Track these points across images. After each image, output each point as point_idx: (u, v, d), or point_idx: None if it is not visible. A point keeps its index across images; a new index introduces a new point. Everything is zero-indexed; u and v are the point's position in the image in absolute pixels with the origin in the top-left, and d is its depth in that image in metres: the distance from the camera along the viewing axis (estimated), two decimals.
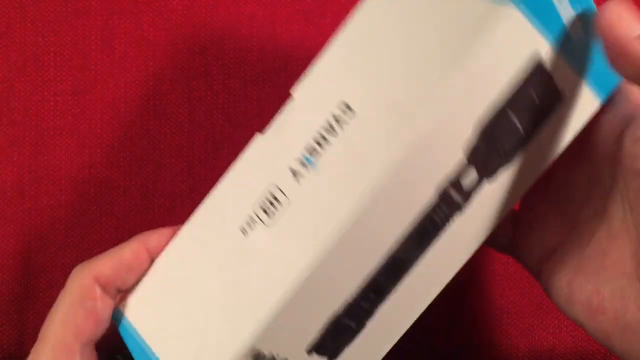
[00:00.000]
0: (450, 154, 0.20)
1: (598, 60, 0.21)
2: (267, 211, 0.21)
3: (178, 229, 0.23)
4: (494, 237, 0.26)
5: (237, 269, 0.21)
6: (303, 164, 0.21)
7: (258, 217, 0.21)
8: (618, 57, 0.19)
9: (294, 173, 0.21)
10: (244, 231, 0.21)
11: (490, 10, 0.19)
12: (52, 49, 0.32)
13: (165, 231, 0.24)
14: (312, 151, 0.21)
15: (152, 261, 0.23)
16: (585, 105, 0.22)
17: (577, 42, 0.21)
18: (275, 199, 0.21)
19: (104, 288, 0.23)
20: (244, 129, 0.32)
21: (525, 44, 0.20)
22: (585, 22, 0.21)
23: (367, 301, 0.21)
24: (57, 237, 0.31)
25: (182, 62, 0.32)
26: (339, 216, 0.20)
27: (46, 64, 0.32)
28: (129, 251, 0.23)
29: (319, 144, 0.21)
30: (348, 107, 0.21)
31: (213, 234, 0.22)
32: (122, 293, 0.23)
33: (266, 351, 0.20)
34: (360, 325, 0.21)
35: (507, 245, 0.27)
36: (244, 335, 0.20)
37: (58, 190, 0.31)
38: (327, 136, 0.21)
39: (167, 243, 0.23)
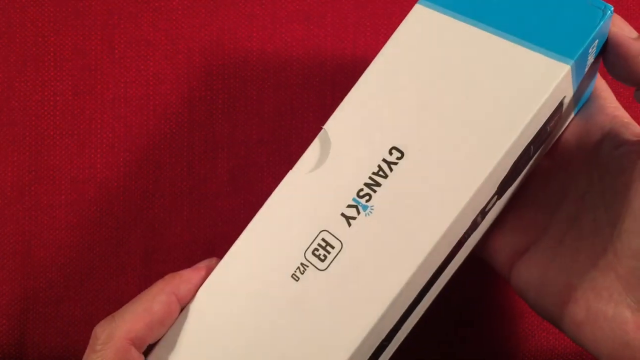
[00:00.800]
0: (490, 192, 0.21)
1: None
2: (320, 256, 0.21)
3: (204, 271, 0.22)
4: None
5: (292, 316, 0.21)
6: (356, 209, 0.21)
7: (310, 262, 0.21)
8: (618, 53, 0.21)
9: (347, 218, 0.21)
10: (295, 277, 0.21)
11: (552, 67, 0.20)
12: (52, 49, 0.32)
13: (194, 278, 0.22)
14: (364, 196, 0.21)
15: (181, 309, 0.22)
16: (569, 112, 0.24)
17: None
18: (328, 244, 0.21)
19: (138, 347, 0.21)
20: (244, 129, 0.32)
21: (564, 91, 0.21)
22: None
23: (402, 322, 0.22)
24: (57, 237, 0.31)
25: (182, 62, 0.32)
26: (403, 262, 0.20)
27: (46, 64, 0.32)
28: (160, 306, 0.21)
29: (371, 188, 0.21)
30: (399, 151, 0.21)
31: (257, 281, 0.21)
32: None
33: None
34: (391, 339, 0.22)
35: (478, 247, 0.27)
36: None
37: (58, 190, 0.31)
38: (378, 180, 0.21)
39: (196, 289, 0.22)
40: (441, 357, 0.31)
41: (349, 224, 0.21)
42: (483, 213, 0.22)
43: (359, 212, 0.21)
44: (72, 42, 0.32)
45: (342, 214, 0.21)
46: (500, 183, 0.22)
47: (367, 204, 0.21)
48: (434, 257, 0.20)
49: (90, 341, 0.21)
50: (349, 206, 0.21)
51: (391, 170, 0.21)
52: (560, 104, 0.22)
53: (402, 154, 0.21)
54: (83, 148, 0.31)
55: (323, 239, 0.21)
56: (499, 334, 0.31)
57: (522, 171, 0.23)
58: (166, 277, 0.22)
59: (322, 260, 0.21)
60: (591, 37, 0.21)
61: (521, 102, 0.20)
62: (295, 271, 0.21)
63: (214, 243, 0.31)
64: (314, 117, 0.32)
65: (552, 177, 0.25)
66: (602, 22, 0.21)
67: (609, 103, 0.25)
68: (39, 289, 0.31)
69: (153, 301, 0.21)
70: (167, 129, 0.32)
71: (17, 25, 0.32)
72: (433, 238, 0.20)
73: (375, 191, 0.21)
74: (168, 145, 0.31)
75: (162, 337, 0.22)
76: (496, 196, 0.22)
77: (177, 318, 0.22)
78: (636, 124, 0.24)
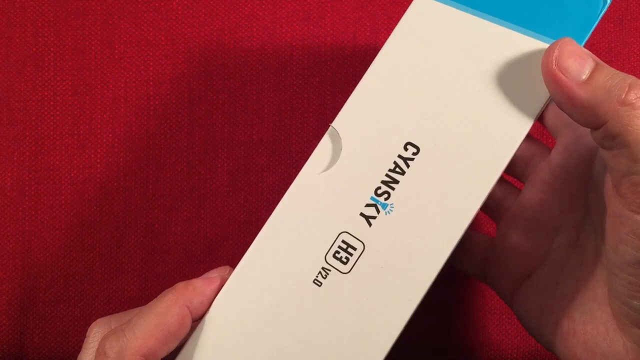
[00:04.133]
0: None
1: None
2: (342, 259, 0.20)
3: (217, 281, 0.21)
4: (469, 266, 0.27)
5: (318, 324, 0.20)
6: (375, 208, 0.20)
7: (332, 266, 0.20)
8: (565, 103, 0.19)
9: (366, 218, 0.20)
10: (317, 283, 0.20)
11: None
12: (52, 49, 0.32)
13: (207, 290, 0.21)
14: (382, 194, 0.20)
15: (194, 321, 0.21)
16: None
17: None
18: (349, 246, 0.20)
19: None
20: (244, 129, 0.32)
21: None
22: None
23: None
24: (57, 237, 0.31)
25: (182, 62, 0.32)
26: (429, 258, 0.20)
27: (46, 64, 0.32)
28: (174, 320, 0.20)
29: (388, 185, 0.20)
30: (414, 146, 0.21)
31: (277, 289, 0.20)
32: None
33: None
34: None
35: (480, 273, 0.27)
36: None
37: (58, 190, 0.31)
38: (395, 177, 0.20)
39: (210, 302, 0.21)
40: (438, 356, 0.31)
41: (370, 224, 0.20)
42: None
43: (378, 211, 0.20)
44: (72, 42, 0.32)
45: (362, 214, 0.20)
46: None
47: (387, 202, 0.20)
48: (454, 250, 0.20)
49: (97, 357, 0.20)
50: (368, 205, 0.20)
51: (408, 166, 0.20)
52: None
53: (418, 149, 0.20)
54: (83, 148, 0.31)
55: (343, 241, 0.20)
56: (499, 333, 0.31)
57: None
58: (177, 286, 0.21)
59: (345, 263, 0.20)
60: (593, 27, 0.20)
61: (533, 90, 0.20)
62: (317, 276, 0.20)
63: (214, 243, 0.31)
64: (314, 117, 0.32)
65: (551, 201, 0.24)
66: (602, 12, 0.21)
67: None
68: (39, 289, 0.31)
69: (166, 315, 0.20)
70: (167, 129, 0.32)
71: (17, 25, 0.32)
72: (458, 232, 0.20)
73: (393, 189, 0.20)
74: (168, 145, 0.31)
75: (179, 352, 0.21)
76: None
77: (190, 331, 0.21)
78: None
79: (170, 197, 0.31)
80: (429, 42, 0.21)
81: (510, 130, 0.20)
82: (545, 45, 0.20)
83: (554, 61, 0.19)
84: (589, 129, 0.20)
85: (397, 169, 0.20)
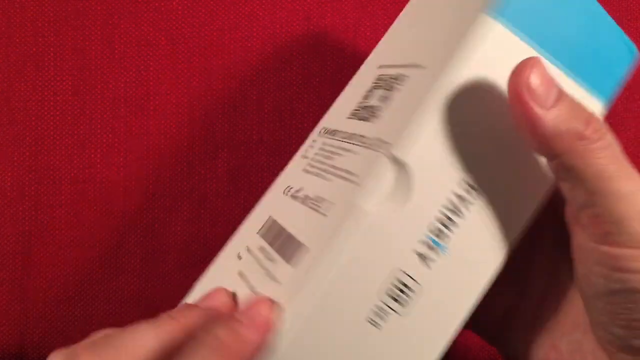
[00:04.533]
0: None
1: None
2: (399, 299, 0.19)
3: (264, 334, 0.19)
4: None
5: None
6: (430, 247, 0.20)
7: (389, 306, 0.19)
8: (525, 127, 0.19)
9: (422, 257, 0.20)
10: (375, 324, 0.19)
11: (588, 101, 0.21)
12: (52, 49, 0.32)
13: (256, 340, 0.18)
14: (438, 233, 0.20)
15: None
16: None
17: None
18: (405, 285, 0.19)
19: None
20: (244, 129, 0.32)
21: None
22: None
23: None
24: (57, 237, 0.31)
25: (182, 62, 0.32)
26: (470, 299, 0.20)
27: (46, 64, 0.32)
28: None
29: (444, 225, 0.20)
30: (471, 186, 0.20)
31: (329, 325, 0.19)
32: None
33: None
34: None
35: None
36: None
37: (58, 190, 0.31)
38: (452, 217, 0.20)
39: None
40: None
41: (427, 265, 0.20)
42: None
43: (434, 251, 0.20)
44: (72, 42, 0.32)
45: (417, 252, 0.19)
46: None
47: (442, 242, 0.20)
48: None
49: None
50: (424, 244, 0.20)
51: (465, 207, 0.20)
52: None
53: (474, 189, 0.20)
54: (83, 148, 0.31)
55: (398, 279, 0.19)
56: None
57: None
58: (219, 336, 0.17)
59: (402, 304, 0.19)
60: (619, 80, 0.21)
61: None
62: (373, 316, 0.19)
63: (214, 243, 0.31)
64: (314, 117, 0.32)
65: (526, 235, 0.23)
66: (629, 64, 0.21)
67: None
68: (39, 289, 0.31)
69: None
70: (167, 129, 0.32)
71: (17, 25, 0.32)
72: (496, 268, 0.21)
73: (450, 230, 0.20)
74: (168, 145, 0.31)
75: None
76: None
77: None
78: None
79: (170, 197, 0.31)
80: (491, 73, 0.20)
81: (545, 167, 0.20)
82: (580, 89, 0.21)
83: (524, 82, 0.18)
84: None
85: (455, 209, 0.20)
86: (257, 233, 0.23)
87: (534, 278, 0.24)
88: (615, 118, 0.32)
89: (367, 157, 0.20)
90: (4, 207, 0.31)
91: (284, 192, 0.24)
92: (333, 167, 0.22)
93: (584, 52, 0.21)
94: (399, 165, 0.19)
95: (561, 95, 0.18)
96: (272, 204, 0.24)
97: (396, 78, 0.22)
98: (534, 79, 0.18)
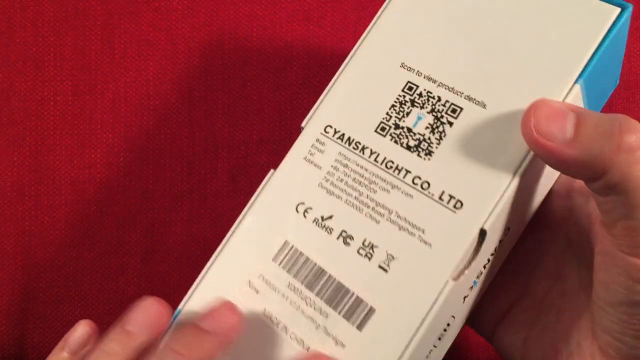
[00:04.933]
0: None
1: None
2: (442, 338, 0.20)
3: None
4: None
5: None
6: (471, 288, 0.21)
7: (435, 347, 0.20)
8: (559, 165, 0.19)
9: (464, 298, 0.20)
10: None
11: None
12: (52, 49, 0.32)
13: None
14: (479, 275, 0.20)
15: None
16: None
17: None
18: (448, 325, 0.20)
19: None
20: (244, 129, 0.32)
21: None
22: None
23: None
24: (57, 237, 0.31)
25: (182, 62, 0.32)
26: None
27: (46, 64, 0.32)
28: None
29: (484, 266, 0.20)
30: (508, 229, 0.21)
31: None
32: None
33: None
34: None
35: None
36: None
37: (58, 190, 0.31)
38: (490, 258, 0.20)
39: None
40: None
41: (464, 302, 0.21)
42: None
43: (472, 290, 0.21)
44: (72, 42, 0.32)
45: (465, 297, 0.20)
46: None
47: (477, 280, 0.21)
48: None
49: None
50: (469, 288, 0.21)
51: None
52: None
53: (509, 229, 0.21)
54: (83, 148, 0.31)
55: (446, 323, 0.20)
56: None
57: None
58: None
59: (441, 340, 0.20)
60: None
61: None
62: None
63: (214, 243, 0.31)
64: None
65: (530, 233, 0.23)
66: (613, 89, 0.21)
67: None
68: (39, 289, 0.31)
69: None
70: (167, 129, 0.32)
71: (17, 25, 0.32)
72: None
73: (485, 267, 0.21)
74: (168, 145, 0.31)
75: None
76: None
77: None
78: None
79: (170, 197, 0.31)
80: None
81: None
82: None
83: (534, 129, 0.18)
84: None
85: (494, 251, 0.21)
86: (274, 261, 0.21)
87: (540, 278, 0.24)
88: None
89: (432, 210, 0.19)
90: (4, 207, 0.31)
91: (296, 210, 0.21)
92: (379, 205, 0.20)
93: (606, 79, 0.22)
94: (481, 235, 0.19)
95: (579, 117, 0.18)
96: (280, 220, 0.21)
97: (445, 105, 0.20)
98: (542, 123, 0.18)
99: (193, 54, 0.32)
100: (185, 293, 0.23)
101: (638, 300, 0.18)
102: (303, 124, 0.22)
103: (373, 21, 0.23)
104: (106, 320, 0.31)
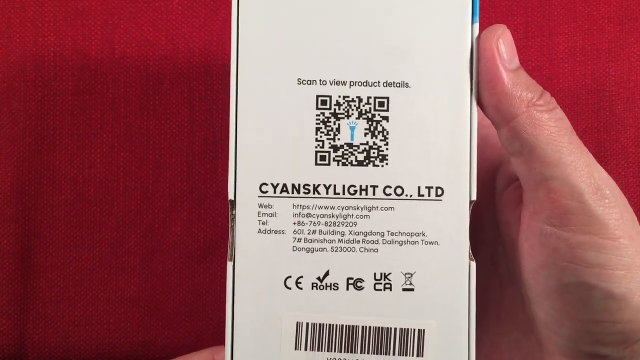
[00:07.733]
0: None
1: None
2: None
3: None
4: None
5: None
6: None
7: None
8: (489, 82, 0.19)
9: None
10: None
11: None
12: (52, 49, 0.32)
13: None
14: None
15: None
16: None
17: None
18: None
19: None
20: None
21: None
22: None
23: None
24: (57, 237, 0.31)
25: (182, 62, 0.32)
26: None
27: (46, 64, 0.32)
28: None
29: None
30: None
31: None
32: None
33: None
34: None
35: None
36: None
37: (58, 190, 0.31)
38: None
39: None
40: None
41: None
42: None
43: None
44: (72, 42, 0.32)
45: None
46: None
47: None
48: None
49: None
50: None
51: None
52: None
53: None
54: (83, 148, 0.31)
55: None
56: None
57: None
58: None
59: None
60: None
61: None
62: None
63: (214, 243, 0.31)
64: None
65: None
66: None
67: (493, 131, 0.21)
68: (39, 289, 0.31)
69: None
70: (167, 129, 0.32)
71: (17, 25, 0.32)
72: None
73: None
74: (168, 145, 0.31)
75: None
76: None
77: None
78: None
79: (170, 197, 0.31)
80: None
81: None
82: None
83: (495, 40, 0.19)
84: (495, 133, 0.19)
85: None
86: (297, 349, 0.19)
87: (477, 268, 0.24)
88: (615, 118, 0.32)
89: (418, 210, 0.19)
90: (4, 207, 0.31)
91: (286, 286, 0.19)
92: (368, 234, 0.19)
93: None
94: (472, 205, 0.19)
95: (520, 67, 0.19)
96: (275, 307, 0.19)
97: (370, 102, 0.19)
98: (504, 41, 0.19)
99: (193, 54, 0.32)
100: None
101: (569, 282, 0.18)
102: (230, 196, 0.20)
103: (233, 50, 0.20)
104: (106, 320, 0.31)
